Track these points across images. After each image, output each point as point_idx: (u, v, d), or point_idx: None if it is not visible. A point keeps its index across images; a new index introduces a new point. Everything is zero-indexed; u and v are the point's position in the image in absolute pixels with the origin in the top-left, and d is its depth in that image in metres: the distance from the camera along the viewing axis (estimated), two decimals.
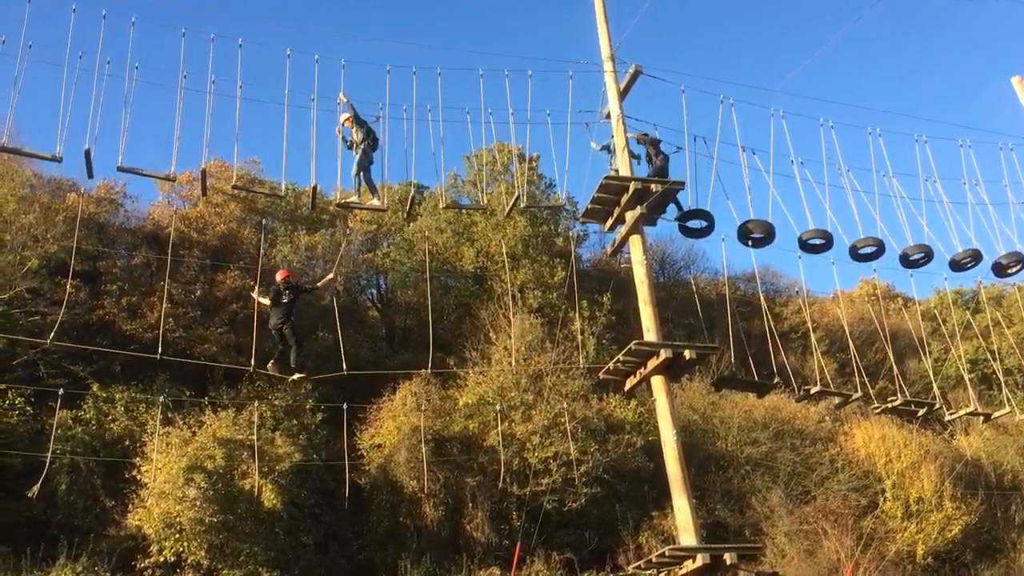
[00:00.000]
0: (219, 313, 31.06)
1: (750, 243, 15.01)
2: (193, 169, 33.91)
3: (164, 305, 24.22)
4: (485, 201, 24.39)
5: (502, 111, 14.99)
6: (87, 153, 12.29)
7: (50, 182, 32.35)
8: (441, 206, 16.66)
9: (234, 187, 16.70)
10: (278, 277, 15.90)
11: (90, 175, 13.02)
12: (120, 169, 12.79)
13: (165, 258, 28.02)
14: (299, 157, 43.08)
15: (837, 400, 17.46)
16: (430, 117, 14.54)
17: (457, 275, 37.17)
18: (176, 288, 29.88)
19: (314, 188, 14.10)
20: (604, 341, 33.06)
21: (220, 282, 31.67)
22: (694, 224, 14.87)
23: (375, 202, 14.88)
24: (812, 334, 21.77)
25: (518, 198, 16.09)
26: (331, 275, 18.72)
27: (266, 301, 15.98)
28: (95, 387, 26.89)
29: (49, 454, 19.76)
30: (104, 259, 31.34)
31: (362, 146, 14.39)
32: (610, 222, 14.99)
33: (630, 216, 14.41)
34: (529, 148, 22.95)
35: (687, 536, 12.64)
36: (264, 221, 33.38)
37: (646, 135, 15.30)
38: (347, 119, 14.61)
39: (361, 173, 14.65)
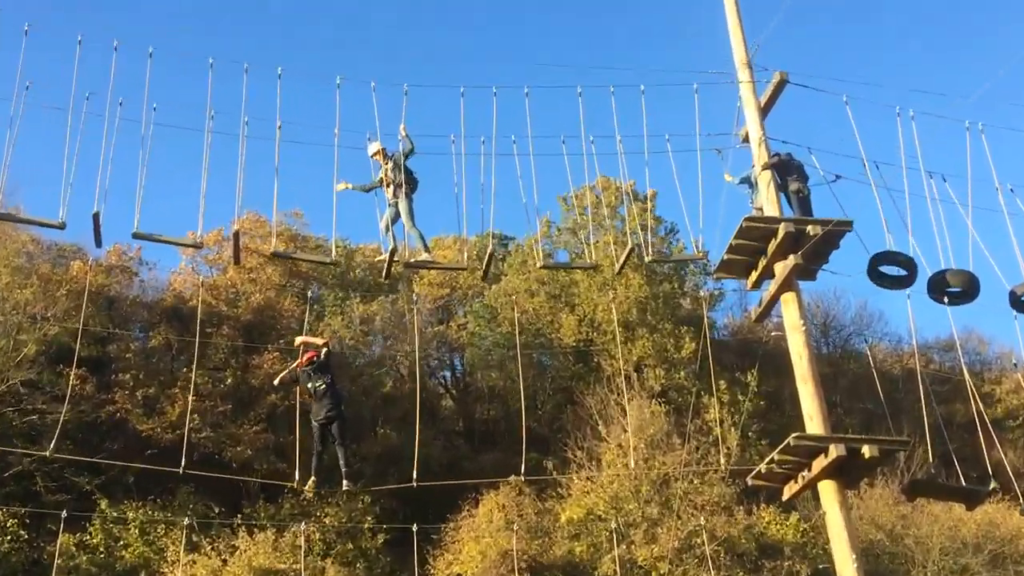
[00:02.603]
0: (255, 406, 31.81)
1: (947, 300, 14.48)
2: (223, 226, 35.04)
3: (189, 398, 24.76)
4: (591, 254, 24.15)
5: (607, 140, 14.83)
6: (95, 217, 12.61)
7: (51, 249, 34.09)
8: (537, 264, 16.49)
9: (274, 254, 17.11)
10: (304, 360, 15.54)
11: (98, 243, 13.30)
12: (136, 236, 13.09)
13: (190, 339, 28.74)
14: (350, 207, 44.38)
15: None
16: (515, 149, 14.44)
17: (554, 350, 37.21)
18: (203, 376, 30.70)
19: (392, 252, 14.20)
20: (751, 434, 32.37)
21: (255, 367, 32.51)
22: (890, 270, 14.42)
23: (426, 256, 15.13)
24: None
25: (633, 249, 15.59)
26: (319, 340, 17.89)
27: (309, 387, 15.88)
28: (104, 504, 27.69)
29: None
30: (115, 341, 32.52)
31: (404, 189, 14.56)
32: (754, 276, 14.67)
33: (781, 268, 14.11)
34: (646, 183, 22.85)
35: None
36: (309, 289, 34.22)
37: (778, 155, 15.08)
38: (379, 152, 14.89)
39: (393, 224, 14.69)
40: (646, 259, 16.01)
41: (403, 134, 14.64)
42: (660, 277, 37.31)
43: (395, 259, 14.65)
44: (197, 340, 22.85)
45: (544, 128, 14.93)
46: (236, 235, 14.61)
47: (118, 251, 34.94)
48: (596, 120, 15.19)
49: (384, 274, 15.37)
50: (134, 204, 12.79)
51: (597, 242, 36.64)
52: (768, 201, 14.65)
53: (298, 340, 16.79)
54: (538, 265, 17.14)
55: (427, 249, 15.11)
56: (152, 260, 37.01)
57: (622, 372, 29.77)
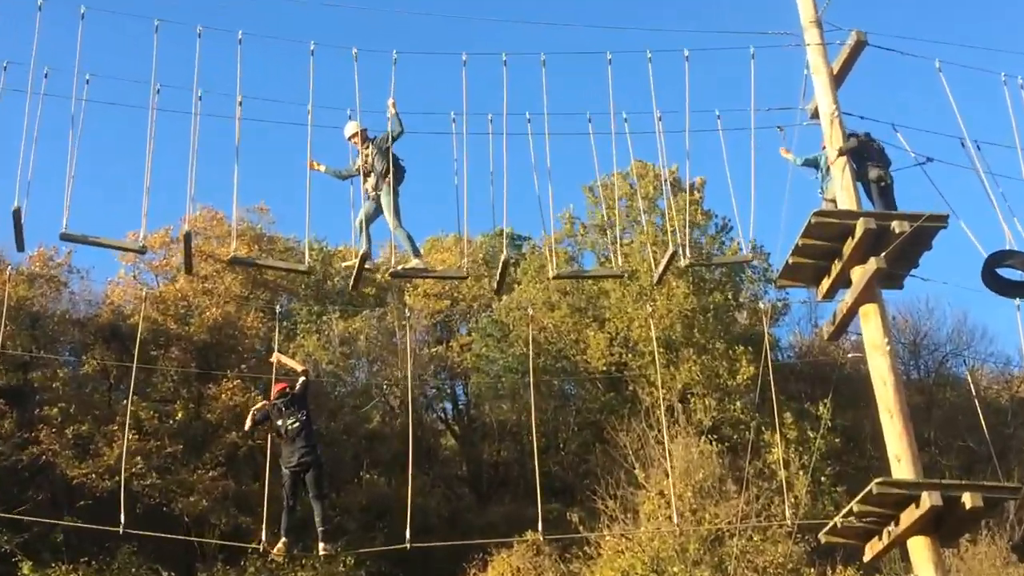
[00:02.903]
0: (211, 447, 31.77)
1: None
2: (172, 225, 35.07)
3: (126, 436, 24.77)
4: (617, 258, 23.68)
5: (644, 118, 14.73)
6: (16, 214, 12.60)
7: None
8: (551, 274, 16.45)
9: (233, 260, 17.04)
10: (274, 392, 15.79)
11: (20, 247, 13.41)
12: (65, 237, 13.01)
13: (131, 364, 27.62)
14: (328, 201, 44.33)
15: None
16: (530, 129, 14.48)
17: (580, 376, 37.16)
18: (146, 410, 30.70)
19: (363, 257, 14.07)
20: (824, 478, 32.24)
21: (211, 398, 32.51)
22: (1009, 274, 14.33)
23: (417, 263, 15.08)
24: None
25: (676, 253, 15.40)
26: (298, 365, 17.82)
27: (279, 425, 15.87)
28: (27, 568, 27.59)
29: None
30: (40, 367, 32.54)
31: (387, 180, 14.52)
32: (826, 284, 14.65)
33: (859, 274, 14.07)
34: (687, 171, 22.79)
35: None
36: (278, 302, 34.06)
37: (855, 136, 15.10)
38: (357, 134, 14.97)
39: (371, 222, 14.76)
40: (683, 261, 15.84)
41: (392, 111, 14.57)
42: (710, 285, 37.11)
43: (367, 266, 14.52)
44: (135, 365, 22.69)
45: (566, 103, 15.08)
46: (188, 236, 14.65)
47: (43, 256, 34.89)
48: (630, 93, 15.18)
49: (352, 283, 15.25)
50: (63, 199, 12.59)
51: (631, 242, 36.65)
52: (843, 191, 14.60)
53: (275, 357, 16.95)
54: (551, 275, 16.93)
55: (417, 253, 15.03)
56: (85, 267, 36.74)
57: (663, 403, 29.59)
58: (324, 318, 37.49)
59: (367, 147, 14.78)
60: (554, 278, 19.33)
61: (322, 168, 14.90)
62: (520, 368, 35.86)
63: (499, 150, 14.21)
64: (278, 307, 29.61)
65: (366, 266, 14.45)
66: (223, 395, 32.21)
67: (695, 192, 36.71)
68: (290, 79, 42.41)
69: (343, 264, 23.89)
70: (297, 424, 15.14)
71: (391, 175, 14.49)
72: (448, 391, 41.95)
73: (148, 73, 13.45)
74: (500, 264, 15.43)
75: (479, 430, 39.63)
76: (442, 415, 42.22)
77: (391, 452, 34.03)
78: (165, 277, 36.53)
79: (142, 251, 16.14)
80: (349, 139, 15.03)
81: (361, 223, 14.65)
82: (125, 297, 35.84)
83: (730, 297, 37.93)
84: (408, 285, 39.74)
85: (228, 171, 13.52)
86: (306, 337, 36.15)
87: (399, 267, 15.25)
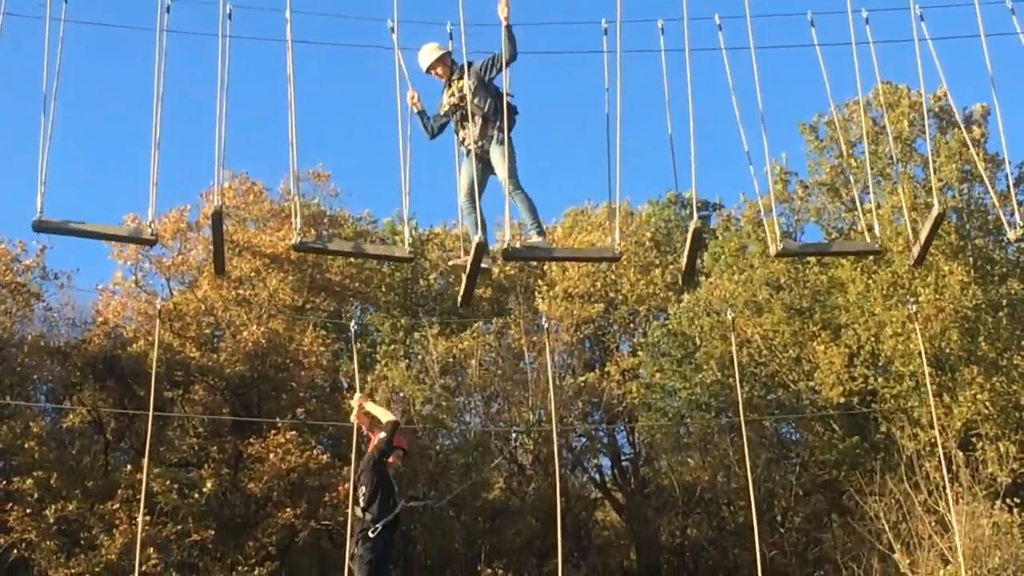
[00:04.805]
0: (256, 531, 31.74)
1: None
2: (187, 204, 35.09)
3: (140, 520, 24.77)
4: (861, 225, 23.84)
5: (897, 18, 14.79)
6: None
7: None
8: (773, 248, 15.60)
9: (299, 247, 16.32)
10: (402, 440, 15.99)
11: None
12: (40, 227, 13.19)
13: (137, 412, 28.66)
14: (421, 162, 44.46)
15: None
16: (721, 38, 14.81)
17: (805, 413, 36.70)
18: (160, 479, 30.60)
19: (479, 248, 14.02)
20: None
21: (254, 458, 32.39)
22: None
23: (540, 242, 15.34)
24: None
25: (942, 216, 15.89)
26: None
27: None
28: None
29: None
30: (5, 419, 32.67)
31: (494, 125, 14.77)
32: None
33: None
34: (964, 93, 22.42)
35: None
36: (349, 313, 33.86)
37: None
38: (438, 61, 15.29)
39: (480, 193, 14.92)
40: (1012, 232, 15.49)
41: (505, 18, 14.61)
42: (1002, 268, 36.49)
43: (484, 265, 14.55)
44: (151, 413, 22.81)
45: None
46: (217, 215, 14.53)
47: (3, 257, 35.05)
48: None
49: (461, 297, 15.65)
50: (36, 174, 12.67)
51: (876, 207, 36.06)
52: None
53: (357, 402, 16.98)
54: (773, 251, 15.90)
55: (541, 230, 15.25)
56: (66, 271, 37.13)
57: (941, 450, 28.68)
58: (416, 335, 37.41)
59: (459, 79, 15.01)
60: (778, 255, 18.87)
61: (419, 106, 15.21)
62: (714, 403, 36.05)
63: (676, 73, 14.22)
64: (353, 323, 29.48)
65: (467, 261, 14.28)
66: (271, 454, 31.98)
67: (973, 127, 36.16)
68: None
69: (449, 263, 24.22)
70: (365, 496, 15.56)
71: (504, 116, 14.57)
72: (605, 440, 41.66)
73: None
74: (689, 235, 15.00)
75: (653, 498, 39.23)
76: (596, 477, 41.98)
77: (523, 535, 34.23)
78: (181, 282, 36.55)
79: (152, 241, 15.50)
80: (429, 70, 15.37)
81: (472, 195, 14.88)
82: (124, 312, 35.91)
83: None
84: (540, 282, 39.48)
85: (268, 125, 13.40)
86: (390, 365, 35.95)
87: (516, 244, 15.27)
